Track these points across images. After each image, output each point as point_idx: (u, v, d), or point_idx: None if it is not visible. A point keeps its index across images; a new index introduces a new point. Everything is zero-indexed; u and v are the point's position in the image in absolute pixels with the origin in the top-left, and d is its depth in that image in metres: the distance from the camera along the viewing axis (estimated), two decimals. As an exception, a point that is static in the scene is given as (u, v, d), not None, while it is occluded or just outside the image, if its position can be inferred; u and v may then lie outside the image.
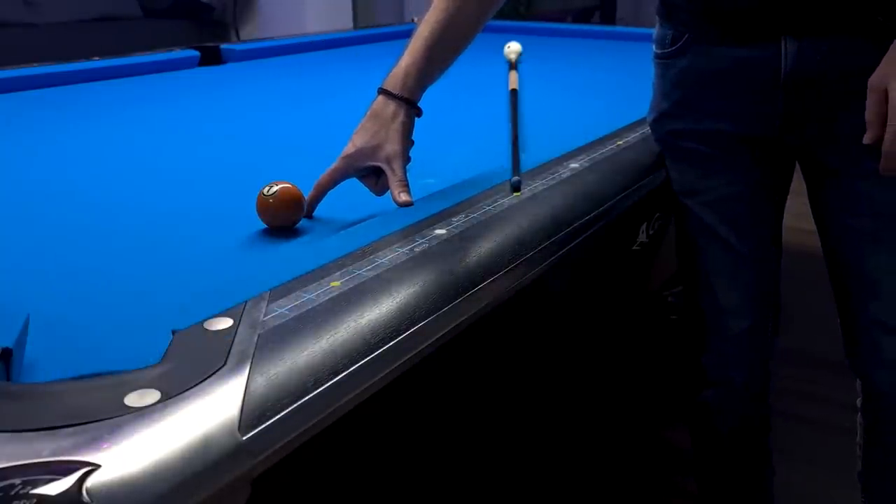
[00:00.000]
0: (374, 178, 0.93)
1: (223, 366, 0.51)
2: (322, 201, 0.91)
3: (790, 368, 2.02)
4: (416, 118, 0.94)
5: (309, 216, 0.91)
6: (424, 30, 0.95)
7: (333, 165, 0.91)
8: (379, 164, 0.90)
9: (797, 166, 1.07)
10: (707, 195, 1.04)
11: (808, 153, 1.01)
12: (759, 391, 1.15)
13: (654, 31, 1.05)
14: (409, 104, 0.92)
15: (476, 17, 0.98)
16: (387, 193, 0.91)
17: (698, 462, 1.24)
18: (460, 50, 0.98)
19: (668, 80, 1.03)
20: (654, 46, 1.06)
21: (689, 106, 1.02)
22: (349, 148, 0.91)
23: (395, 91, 0.92)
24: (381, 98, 0.92)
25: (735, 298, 1.07)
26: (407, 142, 0.92)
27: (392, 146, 0.90)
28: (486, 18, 0.99)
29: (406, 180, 0.90)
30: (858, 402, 1.16)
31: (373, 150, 0.90)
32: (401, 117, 0.91)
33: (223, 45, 2.12)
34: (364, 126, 0.92)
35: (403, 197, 0.88)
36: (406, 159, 0.92)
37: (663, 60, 1.04)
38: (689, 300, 1.11)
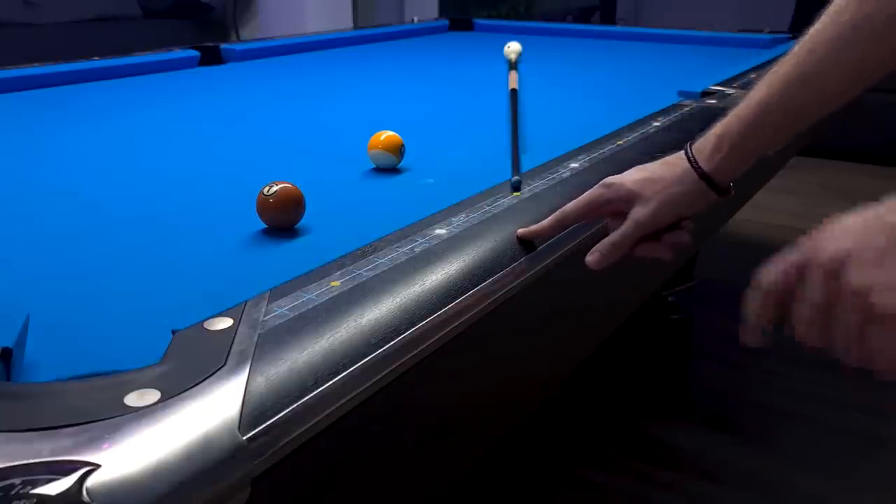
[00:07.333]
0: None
1: (223, 366, 0.51)
2: (323, 201, 0.89)
3: (788, 367, 2.02)
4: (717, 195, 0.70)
5: (539, 237, 0.77)
6: (780, 72, 0.65)
7: (589, 191, 0.76)
8: (624, 213, 0.73)
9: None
10: None
11: None
12: None
13: None
14: (708, 182, 0.69)
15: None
16: None
17: None
18: (831, 106, 0.65)
19: None
20: None
21: None
22: (614, 176, 0.74)
23: (697, 160, 0.70)
24: (678, 154, 0.72)
25: None
26: (670, 216, 0.71)
27: (646, 210, 0.71)
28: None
29: (622, 249, 0.72)
30: None
31: (629, 196, 0.72)
32: (682, 187, 0.70)
33: (223, 45, 2.12)
34: (648, 165, 0.74)
35: (590, 256, 0.73)
36: (666, 240, 0.71)
37: None
38: None
